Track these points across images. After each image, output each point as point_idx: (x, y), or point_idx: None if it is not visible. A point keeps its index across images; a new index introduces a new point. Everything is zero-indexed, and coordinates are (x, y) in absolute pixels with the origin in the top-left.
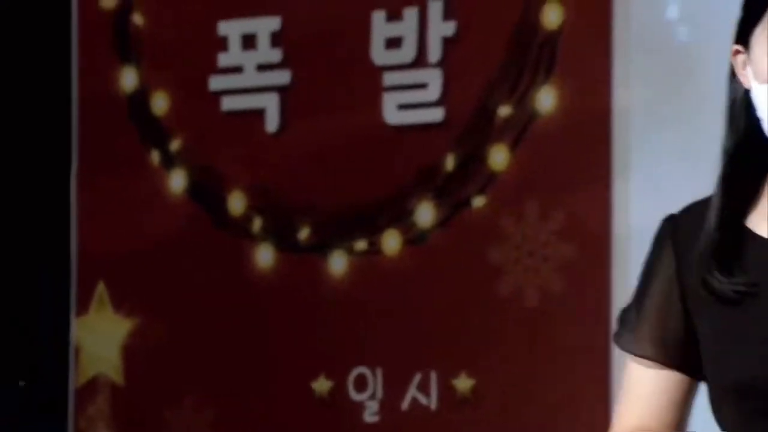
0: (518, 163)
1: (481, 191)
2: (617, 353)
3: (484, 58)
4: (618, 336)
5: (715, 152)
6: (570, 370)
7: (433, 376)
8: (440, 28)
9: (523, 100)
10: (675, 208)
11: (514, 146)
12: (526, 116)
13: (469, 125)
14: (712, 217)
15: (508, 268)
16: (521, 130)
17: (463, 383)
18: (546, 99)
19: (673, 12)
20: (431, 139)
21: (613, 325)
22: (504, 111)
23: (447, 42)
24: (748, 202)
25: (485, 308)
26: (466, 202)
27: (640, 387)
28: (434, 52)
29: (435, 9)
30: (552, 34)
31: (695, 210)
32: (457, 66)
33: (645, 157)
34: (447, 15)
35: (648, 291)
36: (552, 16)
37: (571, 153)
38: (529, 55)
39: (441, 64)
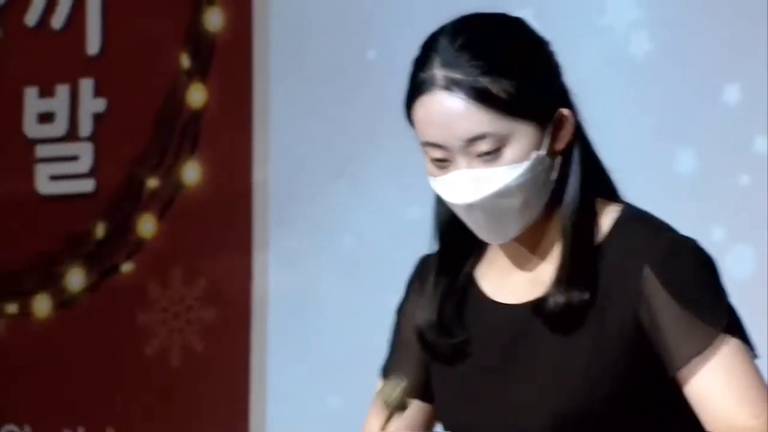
0: (165, 231)
1: (129, 258)
2: (254, 407)
3: (132, 133)
4: (384, 363)
5: (347, 224)
6: (210, 424)
7: (81, 431)
8: (91, 104)
9: (169, 173)
10: (310, 276)
11: (161, 216)
12: (172, 188)
13: (118, 195)
14: (430, 284)
15: (154, 330)
16: (168, 201)
17: None
18: (191, 172)
19: (313, 88)
20: (82, 208)
21: (252, 381)
22: (152, 183)
23: (98, 117)
24: (472, 254)
25: (132, 367)
26: (115, 268)
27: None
28: (85, 127)
29: (86, 86)
30: (196, 112)
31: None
32: (107, 140)
33: (282, 228)
34: (98, 92)
35: (399, 328)
36: (196, 96)
37: (214, 223)
38: (175, 131)
39: (92, 138)
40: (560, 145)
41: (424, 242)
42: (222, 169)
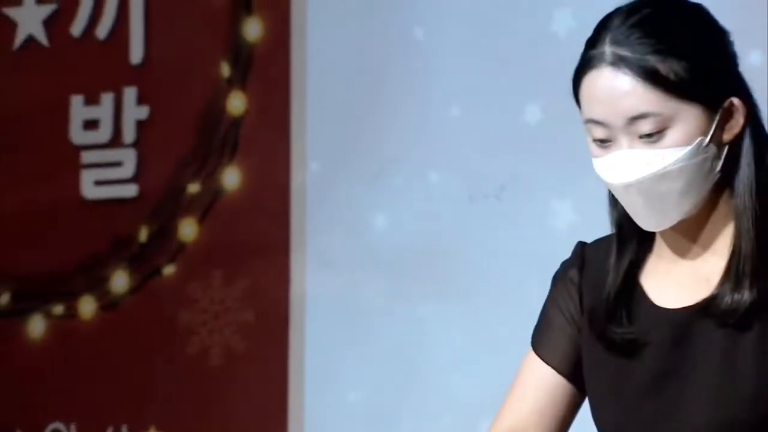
0: (205, 235)
1: (171, 260)
2: (293, 407)
3: (174, 140)
4: (533, 337)
5: (384, 226)
6: (249, 423)
7: (125, 429)
8: (134, 111)
9: (210, 178)
10: (347, 278)
11: (202, 220)
12: (212, 193)
13: (160, 200)
14: (610, 276)
15: (195, 330)
16: (208, 205)
17: None
18: (231, 177)
19: (349, 96)
20: (126, 213)
21: (290, 381)
22: (193, 188)
23: (141, 124)
24: (642, 257)
25: (174, 366)
26: (158, 271)
27: (532, 379)
28: (129, 134)
29: (130, 94)
30: (236, 119)
31: (601, 247)
32: (150, 146)
33: (319, 231)
34: (141, 100)
35: (551, 312)
36: (236, 103)
37: (253, 226)
38: (216, 137)
39: (135, 144)
40: (728, 136)
41: (463, 244)
42: (261, 174)
